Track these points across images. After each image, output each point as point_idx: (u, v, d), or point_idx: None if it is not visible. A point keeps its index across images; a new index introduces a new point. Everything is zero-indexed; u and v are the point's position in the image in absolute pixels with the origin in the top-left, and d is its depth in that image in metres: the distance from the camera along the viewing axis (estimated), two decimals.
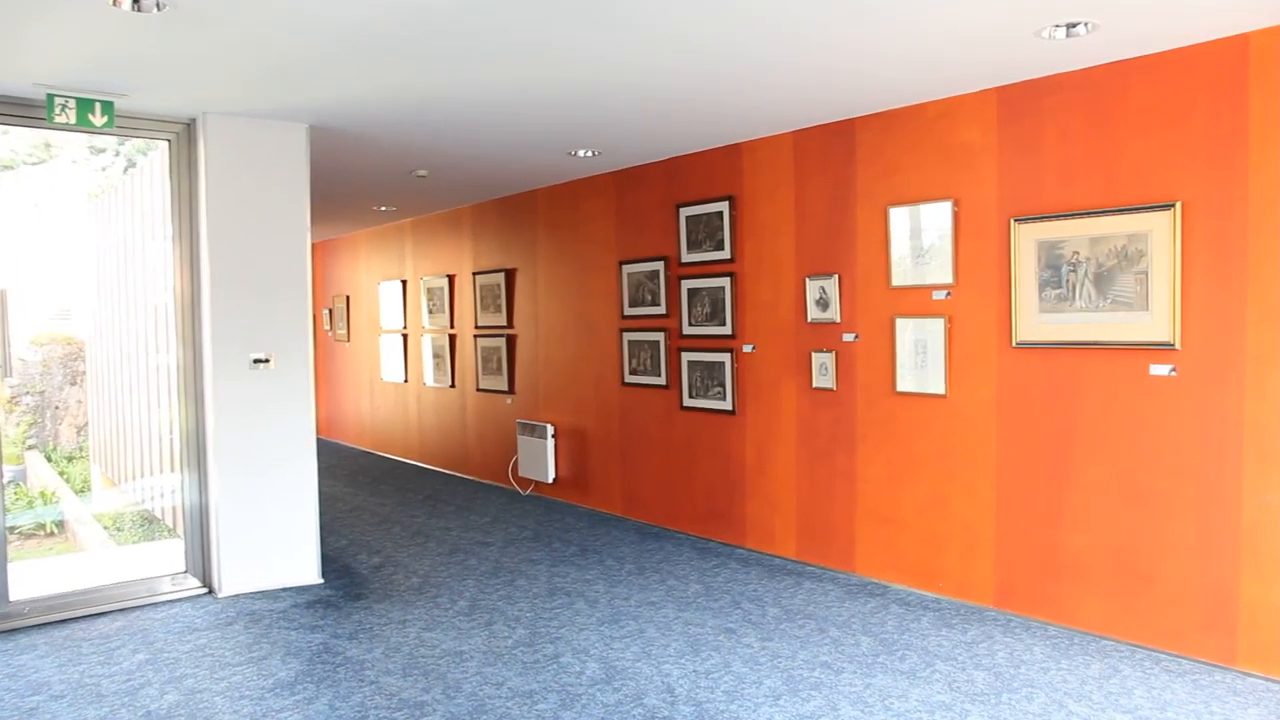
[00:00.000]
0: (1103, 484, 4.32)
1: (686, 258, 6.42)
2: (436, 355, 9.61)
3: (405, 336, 10.29)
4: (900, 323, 5.11)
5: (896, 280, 5.13)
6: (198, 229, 5.17)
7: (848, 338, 5.41)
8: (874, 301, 5.26)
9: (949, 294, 4.89)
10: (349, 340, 11.83)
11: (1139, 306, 4.13)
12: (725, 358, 6.16)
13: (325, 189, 7.70)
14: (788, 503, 5.83)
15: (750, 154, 5.98)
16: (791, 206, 5.72)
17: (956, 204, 4.84)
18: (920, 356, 5.02)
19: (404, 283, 10.25)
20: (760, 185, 5.91)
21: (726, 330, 6.15)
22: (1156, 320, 4.08)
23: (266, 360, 5.25)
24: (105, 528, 8.95)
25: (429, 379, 9.80)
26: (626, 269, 6.95)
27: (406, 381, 10.34)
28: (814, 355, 5.58)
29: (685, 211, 6.40)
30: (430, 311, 9.71)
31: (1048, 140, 4.46)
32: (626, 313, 6.98)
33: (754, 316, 5.99)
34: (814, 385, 5.60)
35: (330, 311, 12.34)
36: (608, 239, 7.18)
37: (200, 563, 5.32)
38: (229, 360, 5.15)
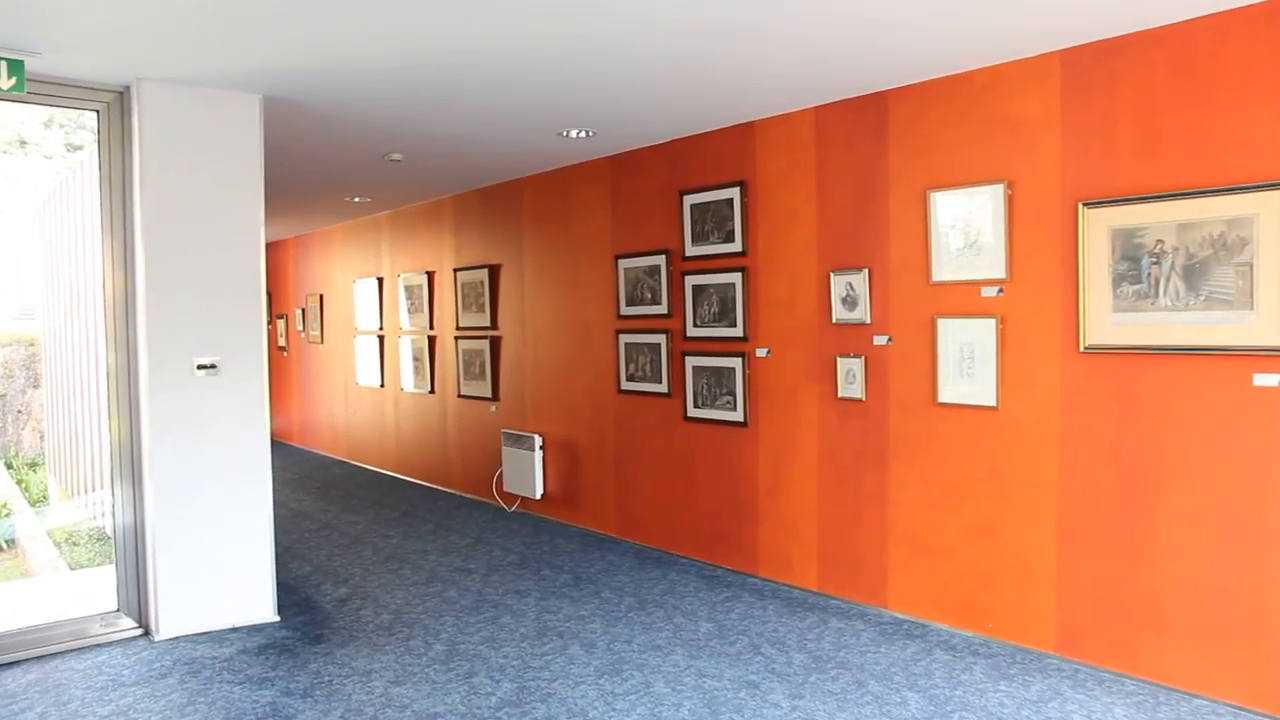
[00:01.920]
0: (1193, 514, 3.67)
1: (691, 251, 5.74)
2: (415, 358, 8.90)
3: (381, 338, 9.58)
4: (942, 324, 4.45)
5: (938, 275, 4.48)
6: (131, 216, 4.47)
7: (879, 341, 4.75)
8: (910, 300, 4.61)
9: (1001, 290, 4.24)
10: (322, 342, 11.10)
11: (1241, 304, 3.48)
12: (736, 363, 5.49)
13: (291, 176, 6.99)
14: (807, 527, 5.17)
15: (764, 133, 5.31)
16: (813, 192, 5.05)
17: (1010, 187, 4.18)
18: (966, 363, 4.37)
19: (380, 280, 9.54)
20: (776, 168, 5.25)
21: (737, 332, 5.48)
22: (1264, 321, 3.43)
23: (212, 366, 4.55)
24: (58, 544, 8.24)
25: (407, 384, 9.09)
26: (623, 264, 6.27)
27: (383, 386, 9.62)
28: (839, 361, 4.92)
29: (690, 199, 5.73)
30: (408, 311, 9.01)
31: (1123, 109, 3.82)
32: (623, 312, 6.30)
33: (769, 317, 5.32)
34: (839, 395, 4.94)
35: (303, 311, 11.62)
36: (602, 231, 6.50)
37: (135, 599, 4.61)
38: (168, 366, 4.45)
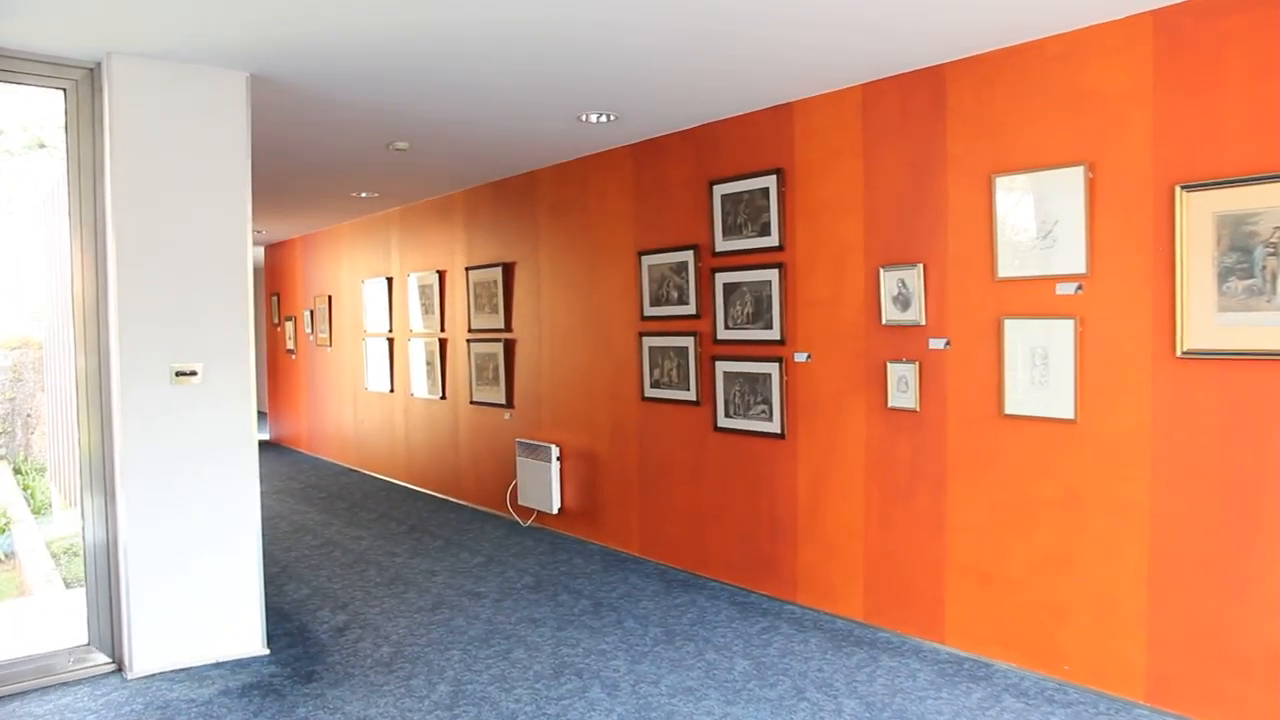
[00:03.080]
0: None
1: (722, 245, 5.25)
2: (426, 362, 8.44)
3: (391, 341, 9.13)
4: (1010, 325, 3.94)
5: (1004, 270, 3.96)
6: (102, 205, 4.01)
7: (936, 344, 4.24)
8: (972, 298, 4.10)
9: (1080, 287, 3.72)
10: (330, 345, 10.67)
11: None
12: (772, 368, 4.99)
13: (291, 169, 6.55)
14: (852, 550, 4.66)
15: (804, 115, 4.81)
16: (859, 179, 4.55)
17: (1091, 169, 3.67)
18: (1039, 369, 3.85)
19: (389, 280, 9.09)
20: (817, 154, 4.75)
21: (773, 334, 4.98)
22: None
23: (193, 373, 4.09)
24: (55, 556, 7.85)
25: (417, 389, 8.63)
26: (647, 260, 5.78)
27: (392, 391, 9.17)
28: (890, 367, 4.42)
29: (720, 189, 5.23)
30: (418, 313, 8.55)
31: (1230, 77, 3.30)
32: (647, 313, 5.81)
33: (809, 318, 4.82)
34: (889, 404, 4.43)
35: (311, 313, 11.19)
36: (624, 225, 6.02)
37: (109, 631, 4.16)
38: (143, 371, 3.99)
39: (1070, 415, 3.76)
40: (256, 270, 15.65)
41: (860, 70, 4.34)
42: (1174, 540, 3.49)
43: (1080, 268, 3.71)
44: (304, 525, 7.26)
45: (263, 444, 12.58)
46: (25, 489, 8.16)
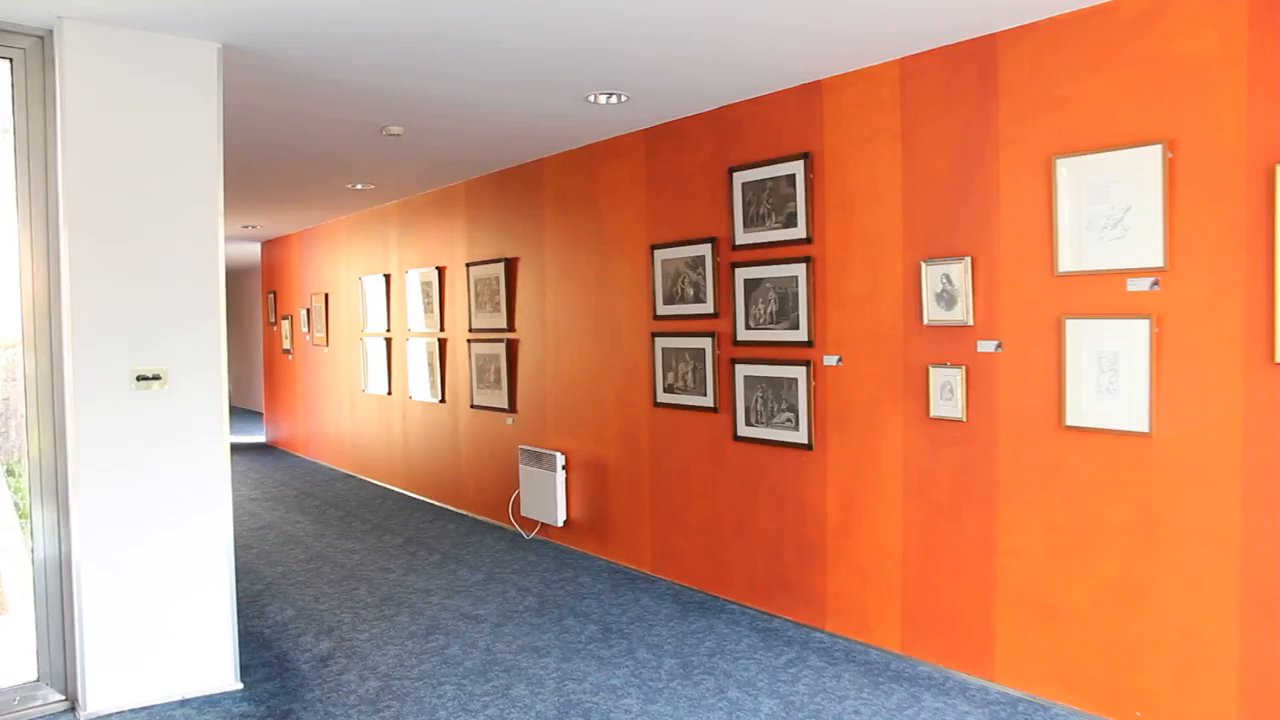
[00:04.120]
0: None
1: (743, 238, 4.81)
2: (426, 364, 8.01)
3: (389, 340, 8.71)
4: (1073, 326, 3.49)
5: (1066, 264, 3.52)
6: (53, 189, 3.59)
7: (985, 347, 3.80)
8: (1028, 295, 3.65)
9: (1156, 283, 3.27)
10: (327, 345, 10.24)
11: None
12: (799, 372, 4.55)
13: (280, 157, 6.12)
14: (889, 574, 4.22)
15: (834, 94, 4.37)
16: (897, 164, 4.11)
17: (1170, 148, 3.22)
18: (1107, 375, 3.40)
19: (387, 277, 8.66)
20: (849, 137, 4.31)
21: (800, 335, 4.54)
22: None
23: (156, 377, 3.67)
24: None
25: (416, 392, 8.20)
26: (660, 255, 5.35)
27: (390, 394, 8.74)
28: (932, 371, 3.97)
29: (741, 177, 4.79)
30: (417, 311, 8.12)
31: None
32: (660, 312, 5.38)
33: (840, 317, 4.38)
34: (931, 413, 3.99)
35: (308, 311, 10.77)
36: (635, 217, 5.58)
37: (61, 663, 3.73)
38: (98, 375, 3.57)
39: (1144, 428, 3.31)
40: (253, 267, 15.23)
41: (898, 43, 3.90)
42: (1270, 572, 3.04)
43: (1157, 261, 3.26)
44: (294, 537, 6.83)
45: (259, 447, 12.17)
46: (16, 491, 7.77)
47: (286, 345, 11.56)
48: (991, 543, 3.81)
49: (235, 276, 17.93)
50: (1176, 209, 3.22)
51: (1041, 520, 3.64)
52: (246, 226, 10.29)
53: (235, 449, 12.04)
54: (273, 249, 12.06)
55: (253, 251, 13.12)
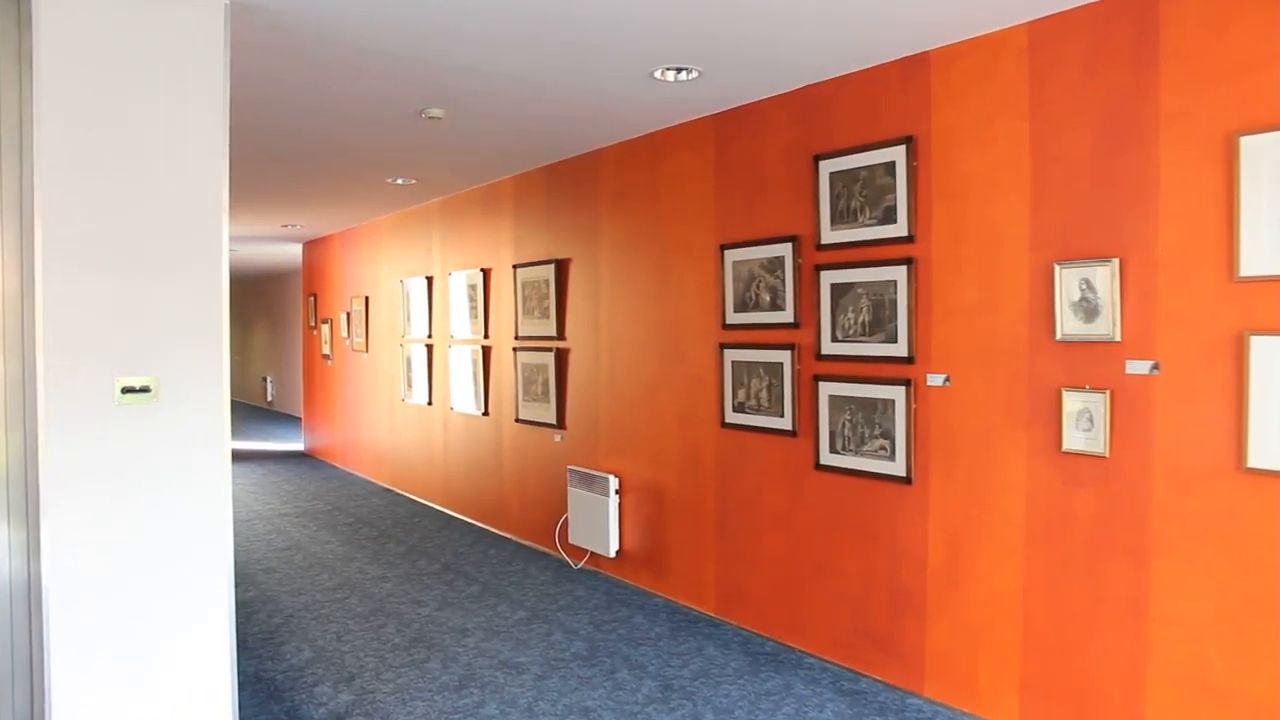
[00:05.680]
0: None
1: (830, 237, 4.17)
2: (469, 373, 7.45)
3: (430, 347, 8.18)
4: (1259, 344, 2.81)
5: (1250, 267, 2.83)
6: (27, 167, 3.06)
7: (1137, 368, 3.12)
8: (1196, 305, 2.97)
9: None
10: (367, 351, 9.76)
11: None
12: (896, 393, 3.90)
13: (310, 145, 5.61)
14: (1005, 634, 3.54)
15: (944, 67, 3.73)
16: (1023, 147, 3.45)
17: None
18: None
19: (429, 280, 8.14)
20: (962, 117, 3.66)
21: (899, 350, 3.89)
22: None
23: (145, 389, 3.12)
24: None
25: (458, 403, 7.65)
26: (731, 255, 4.72)
27: (431, 404, 8.21)
28: (1066, 396, 3.30)
29: (828, 165, 4.16)
30: (461, 316, 7.58)
31: None
32: (730, 320, 4.75)
33: (949, 329, 3.72)
34: (1064, 447, 3.32)
35: (348, 315, 10.31)
36: (704, 213, 4.96)
37: (27, 714, 3.19)
38: (77, 386, 3.03)
39: None
40: (294, 269, 14.84)
41: (1026, 2, 3.25)
42: None
43: None
44: (322, 560, 6.30)
45: (297, 455, 11.75)
46: None
47: (326, 350, 11.12)
48: (1142, 606, 3.13)
49: (276, 278, 17.65)
50: None
51: (1209, 581, 2.95)
52: (286, 225, 9.86)
53: (271, 457, 11.63)
54: (313, 250, 11.64)
55: (294, 253, 12.72)
